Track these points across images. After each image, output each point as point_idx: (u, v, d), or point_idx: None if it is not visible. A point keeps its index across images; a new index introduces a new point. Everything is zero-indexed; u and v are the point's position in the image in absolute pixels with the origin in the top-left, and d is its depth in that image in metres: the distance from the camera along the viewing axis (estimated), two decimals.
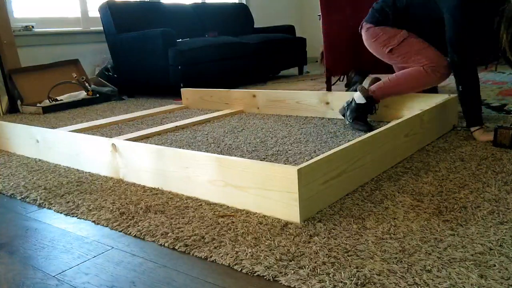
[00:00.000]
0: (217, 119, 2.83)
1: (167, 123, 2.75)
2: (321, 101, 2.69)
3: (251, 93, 3.00)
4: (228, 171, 1.38)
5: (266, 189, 1.29)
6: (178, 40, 4.05)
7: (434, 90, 2.55)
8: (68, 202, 1.52)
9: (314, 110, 2.72)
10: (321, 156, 1.32)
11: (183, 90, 3.39)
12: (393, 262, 1.00)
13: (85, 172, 1.84)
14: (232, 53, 4.34)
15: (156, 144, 1.78)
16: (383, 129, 1.61)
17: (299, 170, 1.21)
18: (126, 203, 1.47)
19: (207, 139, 2.28)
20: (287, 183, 1.24)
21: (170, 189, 1.56)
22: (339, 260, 1.02)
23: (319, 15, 3.22)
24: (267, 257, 1.06)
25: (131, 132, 2.55)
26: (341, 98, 2.61)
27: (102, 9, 4.22)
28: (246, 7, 5.75)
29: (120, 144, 1.70)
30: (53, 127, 2.77)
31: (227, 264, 1.05)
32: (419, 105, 2.26)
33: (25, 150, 2.19)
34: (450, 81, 3.84)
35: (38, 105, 3.64)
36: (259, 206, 1.32)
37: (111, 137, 1.93)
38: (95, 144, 1.80)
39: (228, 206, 1.39)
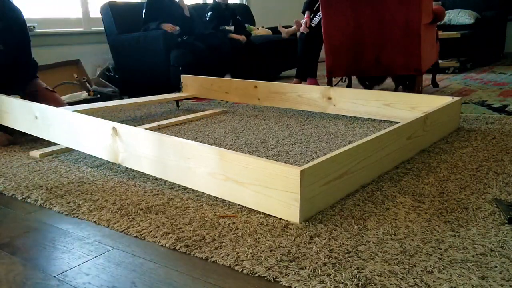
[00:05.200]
0: (201, 118, 2.83)
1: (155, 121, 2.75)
2: (323, 96, 2.67)
3: (252, 84, 2.97)
4: (229, 165, 1.37)
5: (267, 187, 1.29)
6: (179, 40, 4.05)
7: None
8: (69, 202, 1.52)
9: (316, 105, 2.70)
10: (324, 157, 1.32)
11: (183, 77, 3.36)
12: (394, 263, 1.00)
13: (86, 173, 1.85)
14: (233, 54, 4.34)
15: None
16: (385, 132, 1.61)
17: (302, 171, 1.21)
18: (127, 203, 1.47)
19: (208, 140, 2.28)
20: (289, 183, 1.23)
21: (169, 179, 1.55)
22: (340, 261, 1.02)
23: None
24: (268, 258, 1.05)
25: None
26: (343, 93, 2.60)
27: (103, 9, 4.23)
28: (247, 7, 5.75)
29: (122, 128, 1.68)
30: None
31: (227, 265, 1.05)
32: (422, 107, 2.25)
33: (24, 126, 2.17)
34: (451, 82, 3.84)
35: None
36: (259, 203, 1.32)
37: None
38: (96, 125, 1.78)
39: (227, 201, 1.38)
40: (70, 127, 1.91)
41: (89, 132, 1.82)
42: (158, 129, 2.66)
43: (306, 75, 3.98)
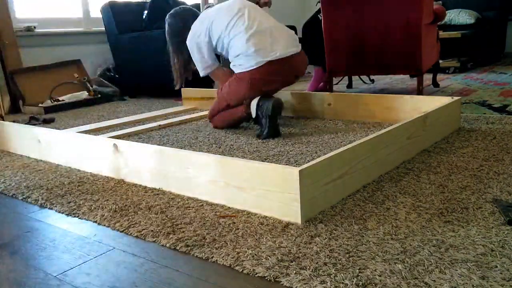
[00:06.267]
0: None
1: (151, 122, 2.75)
2: (323, 103, 2.68)
3: None
4: (229, 171, 1.38)
5: (268, 190, 1.29)
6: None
7: None
8: (70, 202, 1.52)
9: (316, 111, 2.71)
10: (323, 157, 1.32)
11: (183, 90, 3.39)
12: (395, 263, 1.00)
13: (87, 173, 1.85)
14: None
15: (157, 144, 1.79)
16: (385, 131, 1.61)
17: (300, 171, 1.21)
18: (128, 203, 1.47)
19: (209, 140, 2.28)
20: (288, 184, 1.24)
21: (171, 190, 1.56)
22: (340, 261, 1.02)
23: (321, 15, 3.23)
24: (268, 258, 1.05)
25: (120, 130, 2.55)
26: (343, 99, 2.61)
27: (103, 9, 4.23)
28: None
29: (122, 144, 1.70)
30: (55, 128, 2.77)
31: (228, 265, 1.05)
32: (422, 109, 2.26)
33: (27, 151, 2.19)
34: (452, 82, 3.84)
35: (40, 105, 3.65)
36: (260, 206, 1.32)
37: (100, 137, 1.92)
38: (97, 144, 1.80)
39: (229, 207, 1.39)
40: (72, 148, 1.93)
41: (91, 151, 1.84)
42: (159, 128, 2.66)
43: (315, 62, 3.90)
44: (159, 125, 2.70)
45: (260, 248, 1.11)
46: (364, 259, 1.03)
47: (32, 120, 3.11)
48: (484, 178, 1.50)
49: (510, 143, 1.90)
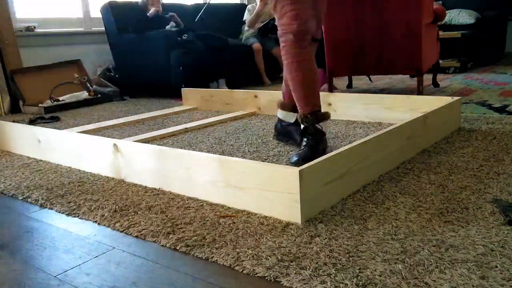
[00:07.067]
0: (230, 120, 2.83)
1: (178, 124, 2.75)
2: (323, 102, 2.68)
3: (252, 94, 3.00)
4: (229, 171, 1.38)
5: (267, 190, 1.29)
6: (179, 39, 4.05)
7: None
8: (70, 202, 1.52)
9: None
10: (324, 157, 1.32)
11: (183, 90, 3.39)
12: (395, 263, 1.00)
13: (87, 173, 1.85)
14: (233, 54, 4.34)
15: (157, 145, 1.79)
16: (385, 131, 1.61)
17: (300, 171, 1.21)
18: (128, 203, 1.47)
19: (209, 140, 2.28)
20: (288, 184, 1.24)
21: (171, 190, 1.56)
22: (340, 261, 1.02)
23: None
24: (268, 258, 1.05)
25: (138, 134, 2.55)
26: (343, 98, 2.61)
27: (103, 9, 4.23)
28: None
29: (122, 144, 1.70)
30: (55, 128, 2.77)
31: (228, 265, 1.05)
32: (422, 109, 2.25)
33: (27, 151, 2.19)
34: (452, 82, 3.84)
35: (40, 105, 3.65)
36: (260, 207, 1.32)
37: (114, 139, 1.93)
38: (97, 144, 1.80)
39: (229, 207, 1.39)
40: (72, 148, 1.93)
41: (91, 151, 1.84)
42: (159, 129, 2.66)
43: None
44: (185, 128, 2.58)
45: (260, 248, 1.11)
46: (364, 259, 1.03)
47: (39, 119, 3.13)
48: (484, 178, 1.50)
49: (510, 143, 1.90)
